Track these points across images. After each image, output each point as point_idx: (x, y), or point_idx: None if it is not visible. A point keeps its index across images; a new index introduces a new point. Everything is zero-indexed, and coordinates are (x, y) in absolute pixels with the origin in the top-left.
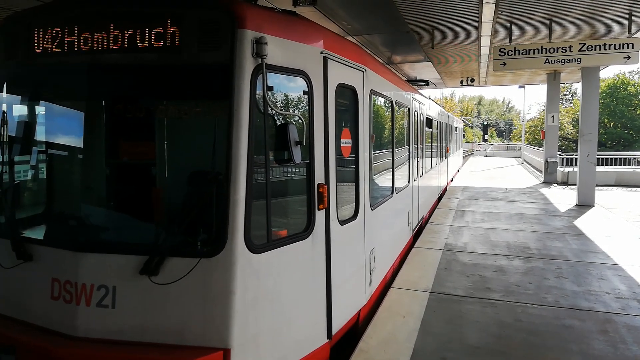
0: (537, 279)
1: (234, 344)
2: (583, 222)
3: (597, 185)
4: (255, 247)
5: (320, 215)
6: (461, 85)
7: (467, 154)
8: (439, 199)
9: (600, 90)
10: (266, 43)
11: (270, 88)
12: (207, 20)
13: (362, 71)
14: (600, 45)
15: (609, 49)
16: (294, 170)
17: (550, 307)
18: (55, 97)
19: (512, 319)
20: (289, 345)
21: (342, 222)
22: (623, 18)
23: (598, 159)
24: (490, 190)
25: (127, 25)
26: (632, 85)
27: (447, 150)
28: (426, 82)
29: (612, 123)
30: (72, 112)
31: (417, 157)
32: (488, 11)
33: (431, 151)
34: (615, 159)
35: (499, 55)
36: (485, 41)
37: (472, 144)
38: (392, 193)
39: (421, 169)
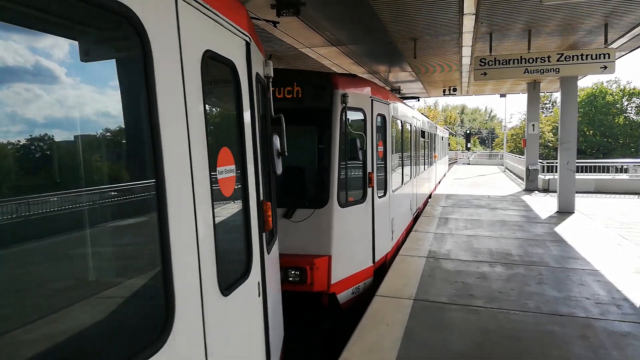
0: (518, 285)
1: (333, 253)
2: (563, 229)
3: (577, 192)
4: (341, 204)
5: (369, 191)
6: (444, 95)
7: (451, 162)
8: (429, 197)
9: (579, 99)
10: (347, 95)
11: (348, 119)
12: (320, 85)
13: (388, 104)
14: (577, 56)
15: (586, 59)
16: (357, 165)
17: (532, 313)
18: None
19: (495, 325)
20: (355, 262)
21: (379, 197)
22: (599, 29)
23: (578, 167)
24: (473, 197)
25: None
26: (610, 94)
27: (435, 157)
28: (417, 99)
29: (591, 131)
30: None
31: (417, 160)
32: (468, 22)
33: (424, 157)
34: (595, 167)
35: (480, 65)
36: (466, 51)
37: (455, 152)
38: (402, 184)
39: (418, 169)
